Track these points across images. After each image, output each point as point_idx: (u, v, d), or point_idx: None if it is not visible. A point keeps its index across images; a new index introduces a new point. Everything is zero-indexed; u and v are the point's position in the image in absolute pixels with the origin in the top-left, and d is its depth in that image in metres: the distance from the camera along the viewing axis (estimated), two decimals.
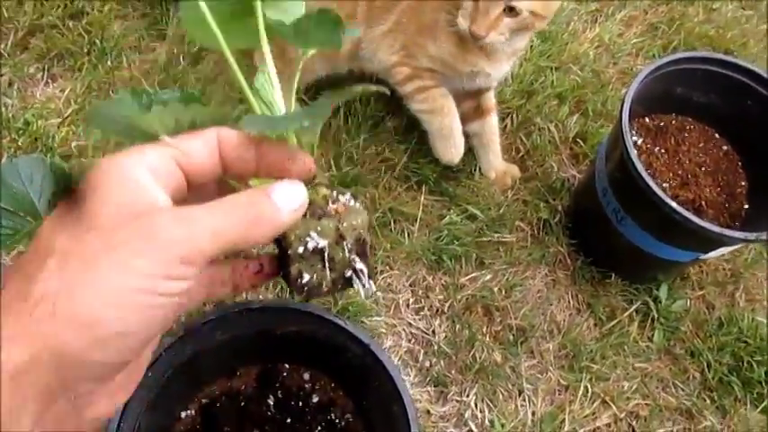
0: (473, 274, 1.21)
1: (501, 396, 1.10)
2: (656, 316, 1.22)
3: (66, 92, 1.35)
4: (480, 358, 1.12)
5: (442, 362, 1.13)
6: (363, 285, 0.45)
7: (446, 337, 1.15)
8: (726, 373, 1.19)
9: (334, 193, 0.49)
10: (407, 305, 1.18)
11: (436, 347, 1.14)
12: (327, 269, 0.44)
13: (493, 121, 1.29)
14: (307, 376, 0.92)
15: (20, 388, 0.32)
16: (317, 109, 0.43)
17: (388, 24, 1.17)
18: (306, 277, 0.44)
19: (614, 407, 1.13)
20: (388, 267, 1.20)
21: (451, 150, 1.24)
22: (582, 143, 1.40)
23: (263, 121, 0.42)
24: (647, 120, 1.20)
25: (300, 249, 0.43)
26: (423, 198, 1.27)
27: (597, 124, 1.43)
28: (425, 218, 1.26)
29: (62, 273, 0.33)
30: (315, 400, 0.90)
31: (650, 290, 1.24)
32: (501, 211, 1.28)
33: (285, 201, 0.39)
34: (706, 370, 1.19)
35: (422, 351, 1.14)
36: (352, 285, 0.45)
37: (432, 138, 1.25)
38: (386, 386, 0.77)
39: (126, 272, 0.33)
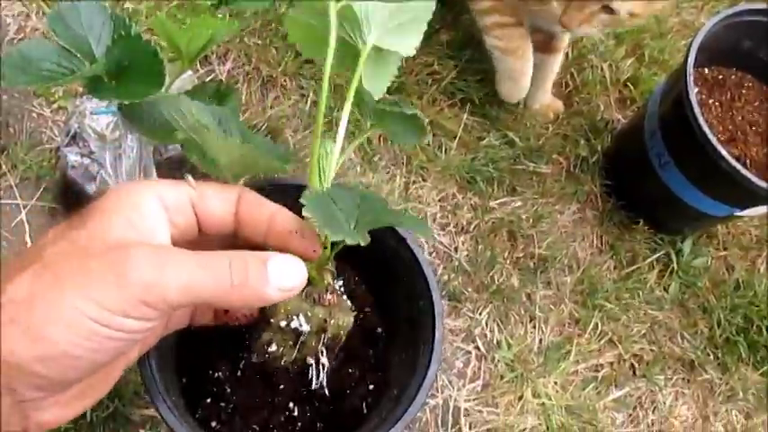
0: (503, 199, 1.21)
1: (513, 319, 1.12)
2: (675, 268, 1.23)
3: None
4: (498, 280, 1.14)
5: (460, 278, 1.14)
6: (317, 378, 0.48)
7: (467, 255, 1.16)
8: (734, 333, 1.20)
9: (337, 283, 0.49)
10: (434, 219, 1.18)
11: (456, 264, 1.15)
12: (296, 349, 0.45)
13: (557, 59, 1.25)
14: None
15: None
16: (367, 223, 0.44)
17: None
18: (273, 348, 0.45)
19: (620, 347, 1.15)
20: (420, 179, 1.20)
21: (514, 93, 1.21)
22: (632, 88, 1.37)
23: (324, 217, 0.41)
24: (706, 71, 1.17)
25: (282, 323, 0.44)
26: (465, 116, 1.26)
27: (651, 71, 1.40)
28: (464, 137, 1.25)
29: (33, 283, 0.34)
30: (339, 283, 0.91)
31: (674, 242, 1.24)
32: (540, 141, 1.27)
33: (280, 276, 0.38)
34: (715, 326, 1.20)
35: (441, 265, 1.15)
36: (307, 370, 0.48)
37: (499, 75, 1.22)
38: (415, 281, 0.77)
39: (86, 300, 0.33)
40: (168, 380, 0.68)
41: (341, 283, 0.49)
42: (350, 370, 0.84)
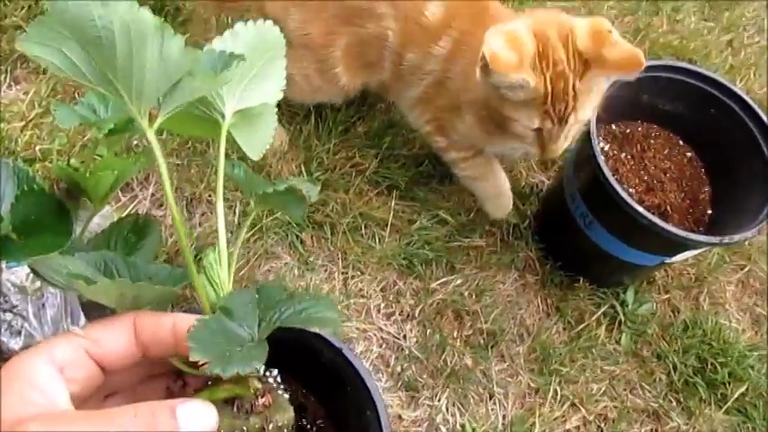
0: (444, 279, 1.22)
1: (472, 400, 1.11)
2: (622, 319, 1.24)
3: (30, 94, 1.32)
4: (451, 362, 1.13)
5: (413, 366, 1.13)
6: None
7: (417, 341, 1.15)
8: (691, 375, 1.21)
9: (265, 376, 0.47)
10: (378, 310, 1.17)
11: (407, 352, 1.14)
12: None
13: None
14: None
15: None
16: (265, 324, 0.45)
17: (416, 91, 1.12)
18: None
19: (583, 409, 1.14)
20: (359, 272, 1.19)
21: (501, 208, 1.22)
22: None
23: (214, 354, 0.40)
24: (613, 126, 1.22)
25: None
26: (393, 203, 1.27)
27: None
28: (396, 223, 1.26)
29: None
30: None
31: (617, 294, 1.26)
32: (471, 215, 1.29)
33: (190, 423, 0.38)
34: (672, 372, 1.21)
35: (393, 356, 1.14)
36: None
37: (479, 198, 1.24)
38: (358, 392, 0.76)
39: None
40: None
41: (275, 373, 0.48)
42: None
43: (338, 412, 0.89)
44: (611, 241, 1.08)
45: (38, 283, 0.93)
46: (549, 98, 0.90)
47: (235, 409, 0.44)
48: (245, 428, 0.43)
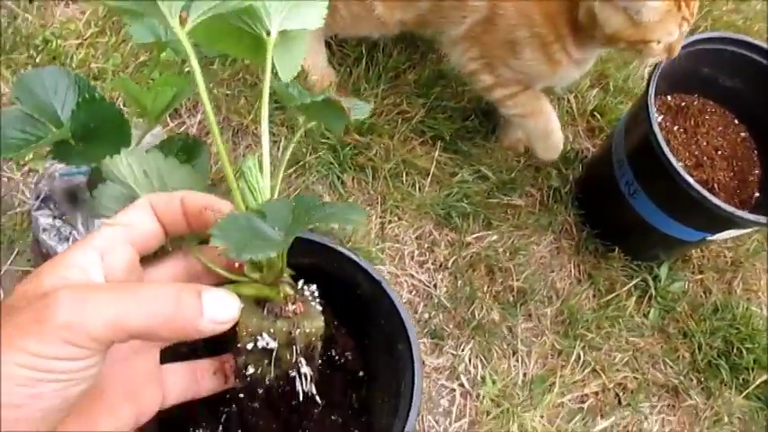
0: (479, 234, 1.22)
1: (495, 354, 1.12)
2: (653, 294, 1.24)
3: (87, 14, 1.32)
4: (479, 315, 1.14)
5: (440, 315, 1.14)
6: (304, 389, 0.47)
7: (447, 291, 1.16)
8: (715, 357, 1.21)
9: (301, 289, 0.48)
10: (412, 257, 1.18)
11: (436, 301, 1.15)
12: (272, 366, 0.45)
13: None
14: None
15: None
16: (296, 224, 0.42)
17: (460, 29, 1.09)
18: (250, 370, 0.45)
19: (604, 376, 1.14)
20: (396, 218, 1.20)
21: (551, 151, 1.21)
22: (599, 117, 1.40)
23: (235, 238, 0.39)
24: (669, 98, 1.19)
25: (249, 346, 0.44)
26: (436, 154, 1.27)
27: (616, 100, 1.42)
28: (437, 174, 1.26)
29: None
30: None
31: (651, 268, 1.26)
32: (513, 174, 1.28)
33: (214, 309, 0.38)
34: (696, 351, 1.21)
35: (422, 303, 1.15)
36: (294, 385, 0.47)
37: (530, 138, 1.23)
38: (392, 326, 0.77)
39: (14, 349, 0.34)
40: None
41: (313, 288, 0.48)
42: (332, 417, 0.83)
43: (368, 346, 0.90)
44: (654, 212, 1.07)
45: (87, 193, 0.95)
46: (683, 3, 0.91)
47: (264, 311, 0.44)
48: (271, 330, 0.43)
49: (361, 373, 0.93)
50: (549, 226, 1.26)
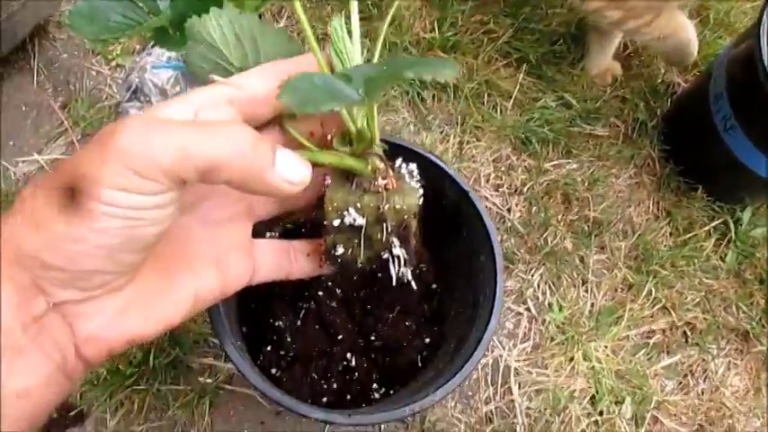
0: (558, 161, 1.20)
1: (565, 282, 1.12)
2: (733, 237, 1.20)
3: None
4: (551, 243, 1.13)
5: (512, 239, 1.13)
6: (398, 272, 0.43)
7: (521, 216, 1.15)
8: None
9: (399, 166, 0.44)
10: (488, 180, 1.17)
11: (509, 225, 1.14)
12: (362, 247, 0.41)
13: None
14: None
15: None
16: (381, 77, 0.37)
17: None
18: (340, 250, 0.42)
19: (674, 314, 1.13)
20: (474, 139, 1.19)
21: (688, 59, 1.16)
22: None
23: (301, 95, 0.36)
24: None
25: (336, 222, 0.41)
26: (521, 77, 1.24)
27: (715, 34, 1.35)
28: (520, 97, 1.23)
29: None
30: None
31: (733, 211, 1.21)
32: (597, 104, 1.25)
33: (284, 166, 0.36)
34: None
35: (494, 226, 1.15)
36: (388, 268, 0.43)
37: (669, 54, 1.18)
38: (475, 236, 0.77)
39: (78, 177, 0.32)
40: (230, 326, 0.70)
41: (412, 167, 0.44)
42: (406, 323, 0.85)
43: (445, 257, 0.91)
44: (748, 150, 1.03)
45: (178, 88, 0.96)
46: None
47: (353, 186, 0.41)
48: (358, 205, 0.40)
49: (434, 286, 0.95)
50: (631, 159, 1.22)
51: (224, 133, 0.34)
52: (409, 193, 0.41)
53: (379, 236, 0.41)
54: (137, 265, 0.36)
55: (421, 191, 0.44)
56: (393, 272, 0.42)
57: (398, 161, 0.45)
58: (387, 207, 0.40)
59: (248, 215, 0.47)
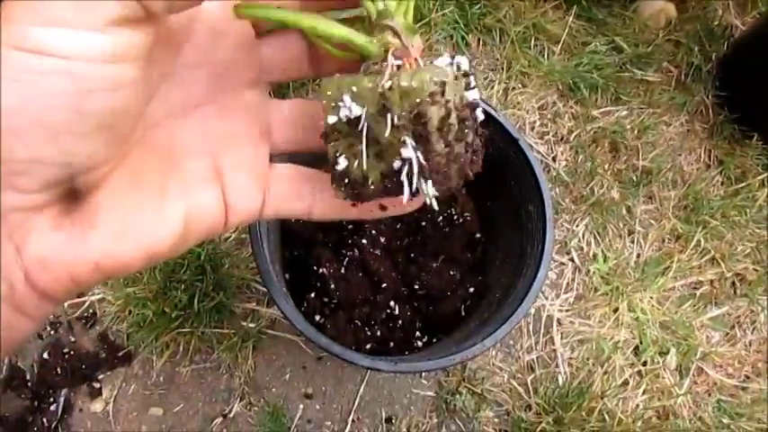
0: (607, 108, 1.16)
1: (611, 232, 1.09)
2: None
3: None
4: (597, 192, 1.10)
5: (557, 188, 1.11)
6: (411, 187, 0.29)
7: (566, 165, 1.12)
8: None
9: (438, 55, 0.28)
10: (533, 127, 1.14)
11: (554, 174, 1.12)
12: (366, 155, 0.30)
13: None
14: None
15: None
16: None
17: None
18: (342, 163, 0.31)
19: (723, 265, 1.10)
20: (520, 85, 1.15)
21: None
22: None
23: None
24: None
25: (332, 120, 0.30)
26: (570, 19, 1.19)
27: None
28: (569, 41, 1.18)
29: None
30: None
31: None
32: (650, 48, 1.20)
33: None
34: None
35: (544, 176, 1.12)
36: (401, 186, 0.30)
37: None
38: (524, 185, 0.76)
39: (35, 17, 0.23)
40: (275, 273, 0.70)
41: (461, 60, 0.30)
42: (450, 272, 0.85)
43: (489, 207, 0.90)
44: None
45: None
46: None
47: (362, 71, 0.31)
48: (354, 89, 0.29)
49: (478, 235, 0.94)
50: (683, 106, 1.18)
51: None
52: (428, 71, 0.28)
53: (386, 134, 0.29)
54: (97, 161, 0.27)
55: (473, 81, 0.31)
56: (405, 185, 0.29)
57: (445, 55, 0.30)
58: (387, 87, 0.28)
59: (261, 136, 0.35)
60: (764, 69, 1.04)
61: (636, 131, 1.14)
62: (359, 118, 0.29)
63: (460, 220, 0.92)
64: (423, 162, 0.28)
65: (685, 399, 1.01)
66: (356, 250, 0.84)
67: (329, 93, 0.30)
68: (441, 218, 0.89)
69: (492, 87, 1.15)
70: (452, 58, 0.30)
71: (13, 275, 0.26)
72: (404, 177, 0.28)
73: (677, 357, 1.03)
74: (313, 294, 0.84)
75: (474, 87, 0.31)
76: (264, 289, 0.87)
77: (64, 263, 0.26)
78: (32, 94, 0.23)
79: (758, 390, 1.04)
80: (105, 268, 0.27)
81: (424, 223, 0.88)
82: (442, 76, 0.28)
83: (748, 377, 1.05)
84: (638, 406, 0.99)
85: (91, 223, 0.27)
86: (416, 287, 0.84)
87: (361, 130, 0.29)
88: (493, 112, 0.73)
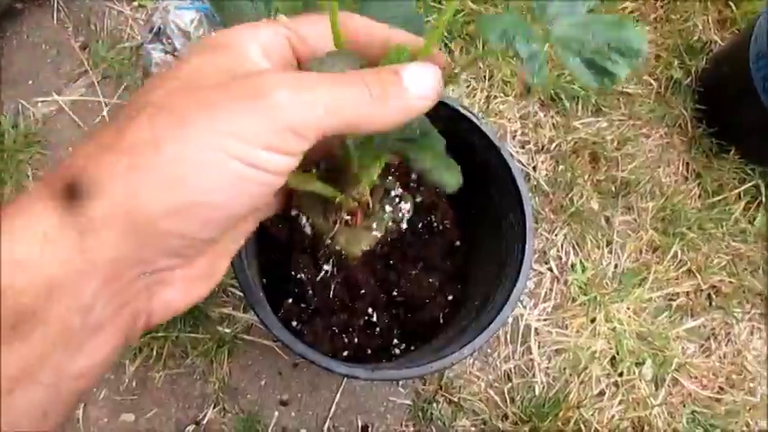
0: (587, 119, 1.16)
1: (589, 243, 1.10)
2: (763, 201, 1.18)
3: None
4: (577, 203, 1.11)
5: (537, 198, 1.11)
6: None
7: (546, 175, 1.13)
8: None
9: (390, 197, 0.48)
10: (514, 136, 1.15)
11: (534, 183, 1.12)
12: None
13: None
14: (415, 176, 0.91)
15: (91, 243, 0.27)
16: None
17: None
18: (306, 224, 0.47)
19: (699, 277, 1.11)
20: (502, 94, 1.16)
21: None
22: (734, 8, 1.28)
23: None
24: None
25: (303, 221, 0.46)
26: None
27: None
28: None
29: (153, 127, 0.28)
30: (418, 199, 0.90)
31: (765, 174, 1.18)
32: None
33: (417, 82, 0.34)
34: None
35: (525, 186, 1.13)
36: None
37: None
38: (505, 194, 0.75)
39: (221, 133, 0.28)
40: (252, 277, 0.69)
41: (405, 207, 0.46)
42: (429, 280, 0.84)
43: (472, 216, 0.90)
44: None
45: (201, 30, 0.94)
46: None
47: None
48: (310, 222, 0.47)
49: (457, 243, 0.93)
50: (662, 119, 1.19)
51: (358, 82, 0.32)
52: (362, 238, 0.42)
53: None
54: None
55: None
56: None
57: (393, 192, 0.46)
58: (329, 242, 0.42)
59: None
60: (742, 84, 1.05)
61: (616, 143, 1.15)
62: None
63: (441, 228, 0.91)
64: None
65: (660, 410, 1.01)
66: (335, 256, 0.84)
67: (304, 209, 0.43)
68: (421, 225, 0.89)
69: (474, 96, 1.15)
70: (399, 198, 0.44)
71: (139, 320, 0.32)
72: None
73: (653, 368, 1.04)
74: (290, 300, 0.83)
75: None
76: (241, 293, 0.86)
77: (175, 308, 0.34)
78: (236, 194, 0.29)
79: (731, 401, 1.05)
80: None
81: (403, 230, 0.88)
82: (374, 240, 0.40)
83: (722, 389, 1.06)
84: (613, 416, 1.00)
85: (198, 277, 0.35)
86: (395, 294, 0.83)
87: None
88: (474, 118, 0.73)
